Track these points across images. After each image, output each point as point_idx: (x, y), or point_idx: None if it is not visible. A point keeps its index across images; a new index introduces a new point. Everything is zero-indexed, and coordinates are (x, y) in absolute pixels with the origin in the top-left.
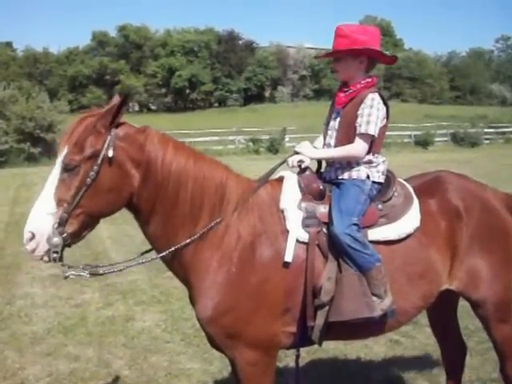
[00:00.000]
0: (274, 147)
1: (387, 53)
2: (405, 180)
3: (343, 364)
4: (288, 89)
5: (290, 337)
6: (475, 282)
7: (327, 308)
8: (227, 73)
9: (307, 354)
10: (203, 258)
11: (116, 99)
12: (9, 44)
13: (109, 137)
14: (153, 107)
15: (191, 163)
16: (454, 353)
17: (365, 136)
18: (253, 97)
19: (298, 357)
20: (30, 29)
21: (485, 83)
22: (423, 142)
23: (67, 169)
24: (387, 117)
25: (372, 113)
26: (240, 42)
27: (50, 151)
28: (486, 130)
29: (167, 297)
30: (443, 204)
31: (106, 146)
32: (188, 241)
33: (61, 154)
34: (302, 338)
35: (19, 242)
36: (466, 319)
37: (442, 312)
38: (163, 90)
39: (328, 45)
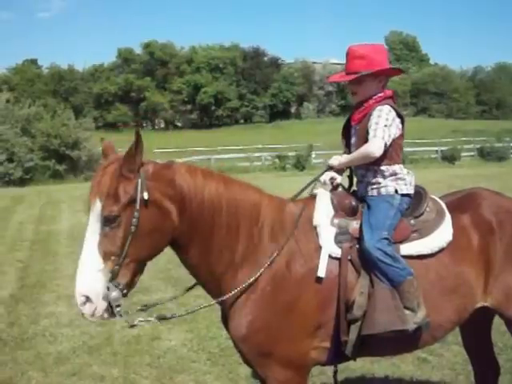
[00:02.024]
0: (300, 164)
1: (395, 67)
2: (438, 198)
3: (370, 383)
4: (314, 105)
5: (324, 352)
6: (510, 298)
7: (360, 322)
8: (253, 89)
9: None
10: (239, 278)
11: (106, 142)
12: (34, 61)
13: (139, 180)
14: (178, 124)
15: (222, 188)
16: (486, 373)
17: (375, 139)
18: (278, 113)
19: (335, 372)
20: (55, 46)
21: (511, 97)
22: (450, 158)
23: (107, 221)
24: (402, 128)
25: (379, 121)
26: (265, 58)
27: (75, 168)
28: None
29: (193, 316)
30: (476, 218)
31: (139, 189)
32: (252, 280)
33: (94, 207)
34: (336, 354)
35: (44, 260)
36: (496, 336)
37: (476, 330)
38: (189, 107)
39: None
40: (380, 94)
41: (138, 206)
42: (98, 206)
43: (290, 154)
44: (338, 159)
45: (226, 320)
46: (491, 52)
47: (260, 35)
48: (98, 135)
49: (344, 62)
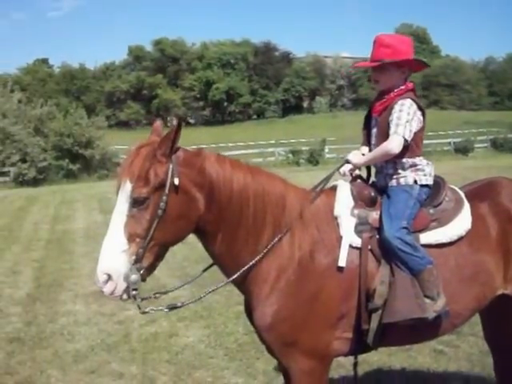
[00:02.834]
0: (314, 158)
1: (426, 61)
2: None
3: (387, 375)
4: (326, 99)
5: (346, 343)
6: None
7: (381, 311)
8: (265, 84)
9: (351, 366)
10: (264, 267)
11: (157, 124)
12: (45, 61)
13: (170, 165)
14: (191, 121)
15: (250, 179)
16: (506, 362)
17: (395, 135)
18: (291, 108)
19: (355, 364)
20: (66, 45)
21: None
22: (463, 149)
23: (136, 202)
24: (424, 120)
25: (401, 116)
26: (277, 53)
27: (88, 167)
28: None
29: (210, 312)
30: (495, 207)
31: (170, 174)
32: (256, 259)
33: (123, 188)
34: (358, 344)
35: (60, 259)
36: None
37: (496, 320)
38: (201, 103)
39: (365, 54)
40: (402, 87)
41: (167, 191)
42: (127, 186)
43: (304, 148)
44: (358, 157)
45: (249, 311)
46: (503, 42)
47: (271, 30)
48: (111, 134)
49: (355, 55)
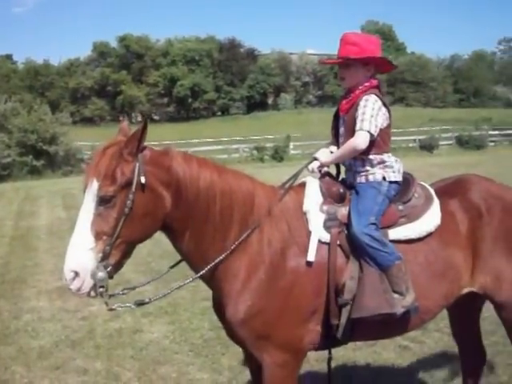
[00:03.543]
0: (278, 155)
1: (392, 61)
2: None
3: (352, 370)
4: (291, 96)
5: (318, 337)
6: (500, 283)
7: (350, 306)
8: (229, 81)
9: (316, 361)
10: (234, 264)
11: (124, 124)
12: (9, 57)
13: (137, 163)
14: (155, 117)
15: (216, 177)
16: (473, 358)
17: (361, 131)
18: (256, 104)
19: (329, 359)
20: (30, 41)
21: (488, 85)
22: (428, 146)
23: (103, 201)
24: (389, 117)
25: (366, 112)
26: (242, 49)
27: (52, 164)
28: (490, 133)
29: (175, 308)
30: (464, 203)
31: (136, 172)
32: (223, 256)
33: (90, 187)
34: (328, 338)
35: (24, 255)
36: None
37: (464, 318)
38: (165, 100)
39: (331, 51)
40: (366, 84)
41: (133, 189)
42: (94, 185)
43: (268, 145)
44: (326, 155)
45: (217, 306)
46: (468, 40)
47: (236, 27)
48: (75, 130)
49: (320, 52)
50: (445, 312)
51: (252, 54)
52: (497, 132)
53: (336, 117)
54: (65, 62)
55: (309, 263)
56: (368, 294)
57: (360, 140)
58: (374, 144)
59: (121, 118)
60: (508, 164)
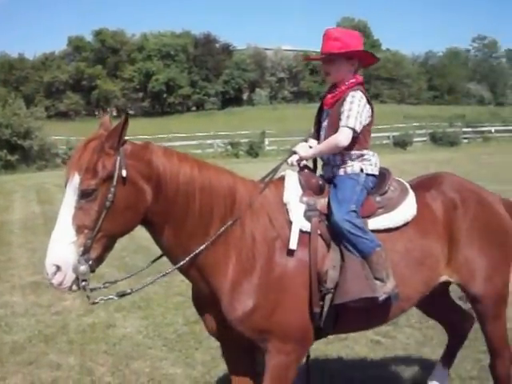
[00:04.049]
0: (253, 150)
1: (374, 54)
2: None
3: (324, 364)
4: (266, 91)
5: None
6: (474, 275)
7: (332, 294)
8: (204, 76)
9: None
10: (223, 261)
11: (106, 118)
12: None
13: (118, 157)
14: (130, 112)
15: (196, 172)
16: (461, 325)
17: (345, 128)
18: (231, 100)
19: (308, 356)
20: (4, 34)
21: (462, 83)
22: (402, 143)
23: (84, 194)
24: (372, 115)
25: (352, 108)
26: (217, 44)
27: (27, 158)
28: (464, 130)
29: (148, 302)
30: (440, 196)
31: (117, 166)
32: (201, 247)
33: (71, 181)
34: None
35: None
36: None
37: (436, 300)
38: (140, 95)
39: (306, 47)
40: (352, 80)
41: (115, 182)
42: (76, 179)
43: (243, 140)
44: (305, 149)
45: (200, 301)
46: (442, 37)
47: (211, 22)
48: (50, 125)
49: (296, 48)
50: (415, 308)
51: (227, 50)
52: (470, 129)
53: (319, 111)
54: (40, 56)
55: (291, 252)
56: (350, 280)
57: (343, 137)
58: (355, 140)
59: (96, 113)
60: (480, 161)
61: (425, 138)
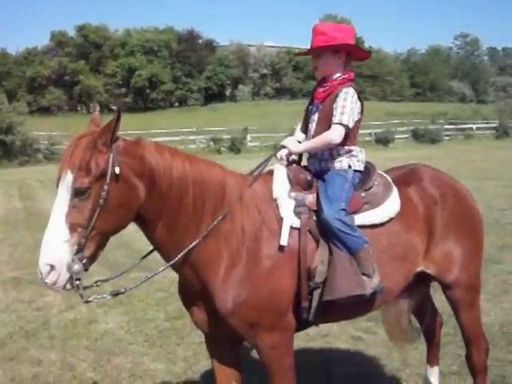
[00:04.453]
0: (235, 146)
1: (362, 48)
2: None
3: (305, 360)
4: (249, 87)
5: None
6: (450, 265)
7: (321, 289)
8: (187, 72)
9: None
10: (214, 255)
11: (96, 115)
12: None
13: (111, 154)
14: (113, 107)
15: (188, 166)
16: (431, 323)
17: (339, 125)
18: (213, 96)
19: None
20: None
21: (444, 80)
22: (384, 140)
23: (78, 193)
24: (362, 111)
25: (346, 105)
26: (200, 41)
27: (9, 153)
28: (446, 127)
29: (130, 298)
30: (420, 191)
31: (110, 163)
32: (195, 243)
33: (64, 179)
34: (298, 321)
35: None
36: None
37: (418, 294)
38: (123, 90)
39: (289, 43)
40: (345, 76)
41: (108, 180)
42: (69, 177)
43: (225, 136)
44: (295, 144)
45: (189, 296)
46: (425, 35)
47: (194, 18)
48: (32, 120)
49: (278, 44)
50: None
51: (210, 46)
52: (452, 126)
53: (309, 104)
54: (22, 51)
55: (282, 247)
56: (340, 277)
57: (337, 134)
58: (345, 136)
59: (79, 108)
60: (461, 158)
61: (406, 135)
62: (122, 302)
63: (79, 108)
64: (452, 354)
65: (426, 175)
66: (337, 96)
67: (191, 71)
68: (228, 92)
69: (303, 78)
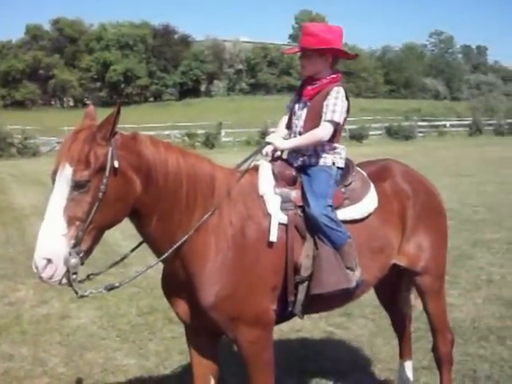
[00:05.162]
0: (209, 142)
1: (349, 51)
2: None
3: (277, 356)
4: (224, 83)
5: (274, 313)
6: (419, 256)
7: (307, 283)
8: (163, 67)
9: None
10: (202, 248)
11: (91, 108)
12: None
13: (110, 148)
14: (88, 102)
15: (182, 160)
16: (401, 318)
17: (330, 122)
18: (188, 91)
19: None
20: None
21: (418, 77)
22: (358, 136)
23: (77, 186)
24: (348, 110)
25: (337, 103)
26: (175, 36)
27: None
28: (419, 124)
29: (102, 293)
30: (394, 187)
31: (109, 156)
32: (186, 236)
33: (62, 171)
34: (282, 315)
35: None
36: None
37: (390, 286)
38: (98, 85)
39: (264, 39)
40: (333, 76)
41: (107, 174)
42: (67, 170)
43: (200, 132)
44: (280, 141)
45: (173, 288)
46: (399, 32)
47: (170, 13)
48: (6, 114)
49: (254, 40)
50: (369, 299)
51: (186, 41)
52: (425, 123)
53: (295, 101)
54: None
55: (270, 243)
56: (326, 271)
57: (327, 131)
58: (333, 134)
59: (53, 102)
60: (434, 155)
61: (380, 132)
62: (95, 297)
63: (53, 102)
64: (423, 348)
65: (397, 171)
66: (328, 94)
67: (166, 66)
68: (203, 87)
69: (278, 73)
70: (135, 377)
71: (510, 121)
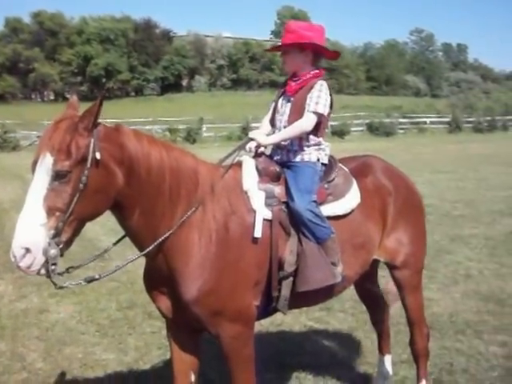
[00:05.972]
0: (191, 137)
1: (330, 48)
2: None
3: (256, 349)
4: (205, 78)
5: (258, 308)
6: (399, 251)
7: (291, 279)
8: (144, 62)
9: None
10: (185, 243)
11: (74, 99)
12: None
13: (92, 139)
14: (68, 96)
15: (165, 154)
16: (379, 313)
17: (313, 113)
18: (170, 86)
19: None
20: None
21: (399, 74)
22: (340, 132)
23: (58, 176)
24: (331, 106)
25: (321, 95)
26: (157, 30)
27: None
28: (400, 120)
29: (82, 288)
30: (376, 183)
31: (91, 148)
32: (170, 231)
33: (43, 161)
34: (265, 310)
35: None
36: None
37: (367, 280)
38: (79, 79)
39: (246, 34)
40: (316, 71)
41: (89, 165)
42: (48, 159)
43: (181, 127)
44: (263, 136)
45: (154, 283)
46: (381, 29)
47: (152, 7)
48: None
49: (236, 35)
50: (349, 294)
51: (167, 36)
52: (406, 120)
53: (278, 97)
54: None
55: (255, 239)
56: (311, 267)
57: (309, 122)
58: (316, 128)
59: (33, 96)
60: (414, 151)
61: (362, 128)
62: (74, 291)
63: (33, 96)
64: (403, 342)
65: (378, 167)
66: (311, 87)
67: (148, 61)
68: (185, 82)
69: (259, 69)
70: (114, 372)
71: (488, 118)
